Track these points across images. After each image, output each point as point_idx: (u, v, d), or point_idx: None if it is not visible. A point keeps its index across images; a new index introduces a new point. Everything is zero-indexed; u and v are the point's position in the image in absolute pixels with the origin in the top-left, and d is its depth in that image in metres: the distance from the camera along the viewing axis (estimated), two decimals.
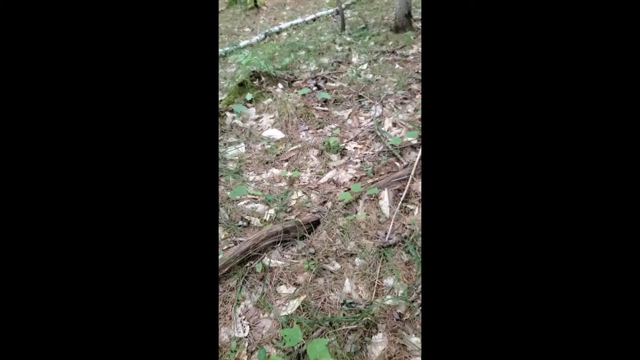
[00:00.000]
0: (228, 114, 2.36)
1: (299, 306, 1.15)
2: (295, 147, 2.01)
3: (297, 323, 1.09)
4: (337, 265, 1.29)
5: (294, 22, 4.52)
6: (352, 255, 1.32)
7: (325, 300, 1.18)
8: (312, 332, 1.07)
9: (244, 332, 1.12)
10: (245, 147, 2.07)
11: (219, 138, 2.16)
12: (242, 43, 3.97)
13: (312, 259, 1.31)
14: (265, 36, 4.21)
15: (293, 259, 1.33)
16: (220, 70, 3.21)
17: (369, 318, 1.08)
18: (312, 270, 1.26)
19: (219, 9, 5.51)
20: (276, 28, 4.37)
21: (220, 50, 3.62)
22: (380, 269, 1.25)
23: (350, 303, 1.14)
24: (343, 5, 4.36)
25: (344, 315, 1.11)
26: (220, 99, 2.56)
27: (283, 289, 1.24)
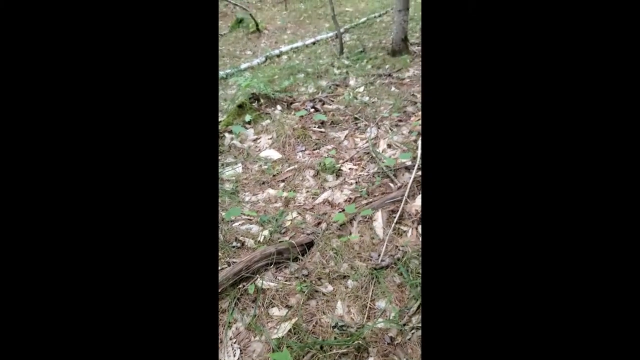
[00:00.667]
0: (227, 134, 2.40)
1: (290, 329, 1.15)
2: (291, 167, 2.04)
3: (287, 347, 1.08)
4: (330, 287, 1.29)
5: (294, 45, 4.64)
6: (345, 277, 1.32)
7: (316, 322, 1.17)
8: (303, 357, 1.06)
9: (234, 356, 1.11)
10: (243, 168, 2.09)
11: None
12: (243, 66, 4.07)
13: (304, 281, 1.30)
14: (266, 59, 4.31)
15: (286, 280, 1.33)
16: (220, 92, 3.28)
17: (360, 342, 1.07)
18: (304, 292, 1.26)
19: (222, 33, 5.67)
20: (277, 51, 4.49)
21: (221, 72, 3.71)
22: (372, 291, 1.25)
23: (342, 326, 1.13)
24: (342, 30, 4.48)
25: (335, 338, 1.10)
26: (219, 120, 2.61)
27: (275, 311, 1.23)
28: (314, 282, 1.30)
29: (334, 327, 1.14)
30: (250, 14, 5.52)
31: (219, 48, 4.97)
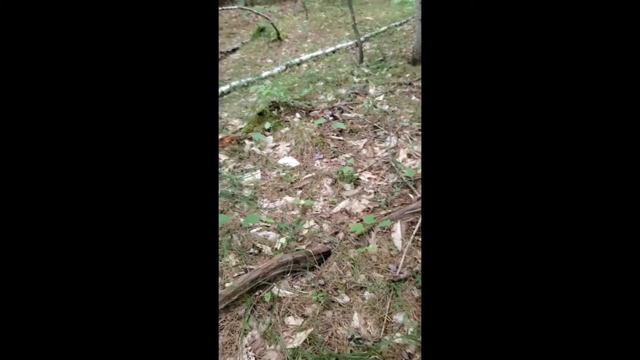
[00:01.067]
0: (247, 141, 2.42)
1: (306, 339, 1.13)
2: (309, 175, 2.04)
3: (302, 358, 1.07)
4: (347, 298, 1.27)
5: (315, 54, 4.68)
6: (361, 288, 1.30)
7: (332, 334, 1.16)
8: None
9: None
10: (261, 174, 2.11)
11: (237, 165, 2.21)
12: (264, 74, 4.13)
13: (321, 291, 1.29)
14: (286, 67, 4.36)
15: (302, 289, 1.32)
16: (241, 100, 3.33)
17: (377, 357, 1.05)
18: (320, 302, 1.25)
19: (244, 41, 5.78)
20: (297, 60, 4.54)
21: (242, 80, 3.77)
22: (390, 304, 1.22)
23: (358, 339, 1.12)
24: (362, 38, 4.50)
25: (351, 351, 1.08)
26: (240, 127, 2.65)
27: (291, 320, 1.22)
28: (330, 292, 1.29)
29: (350, 339, 1.12)
30: (272, 23, 5.61)
31: (240, 56, 5.07)
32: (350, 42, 4.92)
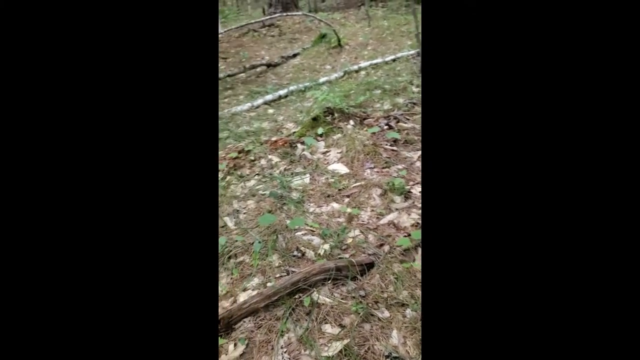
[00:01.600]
0: (299, 145, 2.47)
1: (342, 349, 1.12)
2: (358, 183, 2.02)
3: None
4: (387, 314, 1.23)
5: (374, 61, 4.66)
6: (403, 305, 1.25)
7: (369, 348, 1.13)
8: None
9: None
10: (310, 179, 2.13)
11: (287, 168, 2.26)
12: (322, 79, 4.19)
13: (360, 302, 1.27)
14: (344, 74, 4.39)
15: (342, 298, 1.31)
16: (297, 104, 3.41)
17: None
18: (359, 313, 1.22)
19: (304, 47, 5.92)
20: (355, 67, 4.54)
21: (300, 85, 3.85)
22: None
23: (395, 357, 1.08)
24: None
25: None
26: (293, 131, 2.71)
27: (328, 328, 1.21)
28: (370, 305, 1.26)
29: (387, 357, 1.08)
30: (334, 30, 5.68)
31: (300, 62, 5.19)
32: (412, 52, 4.82)
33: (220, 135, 2.76)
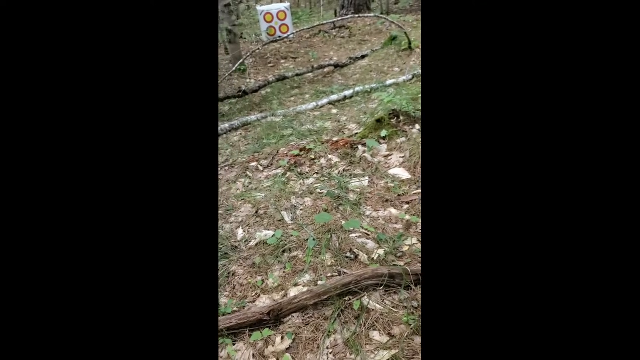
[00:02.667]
0: (360, 147, 2.44)
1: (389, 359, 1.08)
2: (419, 190, 1.94)
3: None
4: None
5: None
6: None
7: None
8: None
9: None
10: (369, 182, 2.10)
11: (347, 169, 2.25)
12: (389, 82, 4.11)
13: (413, 313, 1.21)
14: (413, 77, 4.26)
15: (393, 307, 1.27)
16: (362, 105, 3.38)
17: None
18: (410, 325, 1.17)
19: (374, 49, 5.85)
20: None
21: (366, 87, 3.81)
22: None
23: None
24: None
25: None
26: (356, 132, 2.69)
27: (376, 335, 1.18)
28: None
29: None
30: (405, 32, 5.55)
31: (368, 63, 5.15)
32: None
33: (284, 132, 2.84)
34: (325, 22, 6.53)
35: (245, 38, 6.76)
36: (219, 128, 3.12)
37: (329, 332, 1.21)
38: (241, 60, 4.48)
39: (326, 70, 4.57)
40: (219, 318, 1.29)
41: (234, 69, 4.39)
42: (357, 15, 6.18)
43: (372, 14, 6.37)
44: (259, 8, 7.04)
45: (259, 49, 5.33)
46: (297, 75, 4.24)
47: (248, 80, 4.75)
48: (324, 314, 1.27)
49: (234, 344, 1.22)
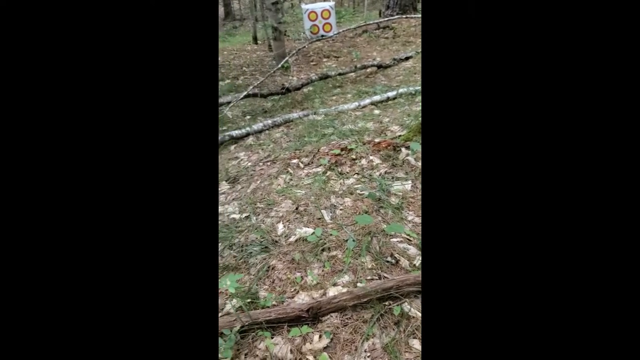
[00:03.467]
0: (403, 149, 2.40)
1: None
2: None
3: None
4: None
5: None
6: None
7: None
8: None
9: None
10: (412, 186, 2.05)
11: (388, 171, 2.22)
12: None
13: None
14: None
15: None
16: (405, 107, 3.32)
17: None
18: None
19: (418, 51, 5.73)
20: None
21: (410, 88, 3.74)
22: None
23: None
24: None
25: None
26: (398, 134, 2.64)
27: (415, 344, 1.15)
28: None
29: None
30: None
31: (412, 65, 5.04)
32: None
33: (325, 131, 2.84)
34: (370, 22, 6.47)
35: (288, 36, 6.84)
36: (262, 124, 3.18)
37: (368, 335, 1.19)
38: (286, 58, 4.54)
39: (369, 70, 4.53)
40: (259, 311, 1.31)
41: (279, 66, 4.45)
42: (402, 16, 6.07)
43: (418, 15, 6.23)
44: (304, 6, 7.10)
45: (304, 46, 5.37)
46: (340, 74, 4.23)
47: (290, 78, 4.80)
48: (363, 316, 1.26)
49: (272, 337, 1.24)
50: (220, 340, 1.23)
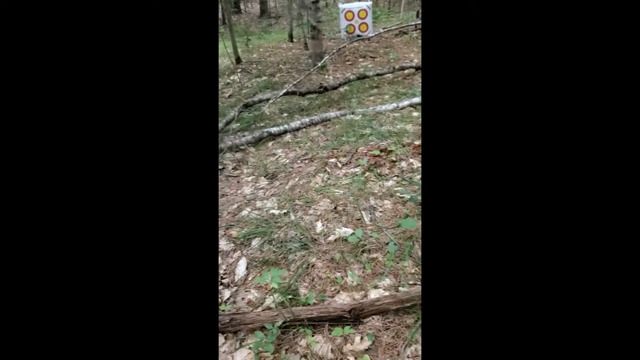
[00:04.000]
0: None
1: None
2: None
3: None
4: None
5: None
6: None
7: None
8: None
9: None
10: None
11: None
12: None
13: None
14: None
15: None
16: None
17: None
18: None
19: None
20: None
21: None
22: None
23: None
24: None
25: None
26: None
27: None
28: None
29: None
30: None
31: None
32: None
33: (363, 131, 2.82)
34: (409, 23, 6.38)
35: (324, 35, 6.85)
36: (299, 122, 3.20)
37: (410, 341, 1.17)
38: (326, 57, 4.55)
39: (406, 72, 4.46)
40: (300, 308, 1.32)
41: (319, 65, 4.47)
42: None
43: None
44: (341, 5, 7.08)
45: (345, 45, 5.37)
46: (378, 74, 4.19)
47: (326, 77, 4.81)
48: (405, 321, 1.24)
49: (313, 335, 1.24)
50: (261, 334, 1.25)
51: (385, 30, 5.55)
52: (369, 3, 6.78)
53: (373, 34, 6.06)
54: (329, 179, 2.27)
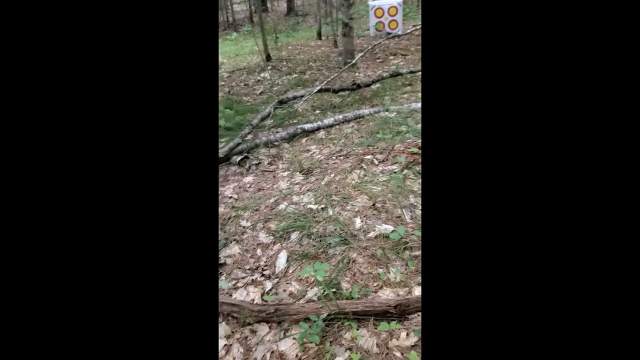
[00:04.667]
0: None
1: None
2: None
3: None
4: None
5: None
6: None
7: None
8: None
9: None
10: None
11: None
12: None
13: None
14: None
15: None
16: None
17: None
18: None
19: None
20: None
21: None
22: None
23: None
24: None
25: None
26: None
27: None
28: None
29: None
30: None
31: None
32: None
33: (399, 129, 2.80)
34: None
35: (354, 32, 6.82)
36: (333, 118, 3.20)
37: None
38: (360, 55, 4.54)
39: None
40: (345, 301, 1.33)
41: (352, 62, 4.46)
42: None
43: None
44: (371, 2, 7.02)
45: (379, 42, 5.34)
46: (411, 72, 4.14)
47: (357, 74, 4.79)
48: None
49: (357, 329, 1.25)
50: (306, 325, 1.27)
51: (415, 27, 5.47)
52: (400, 0, 6.70)
53: (403, 32, 5.98)
54: (365, 175, 2.27)
